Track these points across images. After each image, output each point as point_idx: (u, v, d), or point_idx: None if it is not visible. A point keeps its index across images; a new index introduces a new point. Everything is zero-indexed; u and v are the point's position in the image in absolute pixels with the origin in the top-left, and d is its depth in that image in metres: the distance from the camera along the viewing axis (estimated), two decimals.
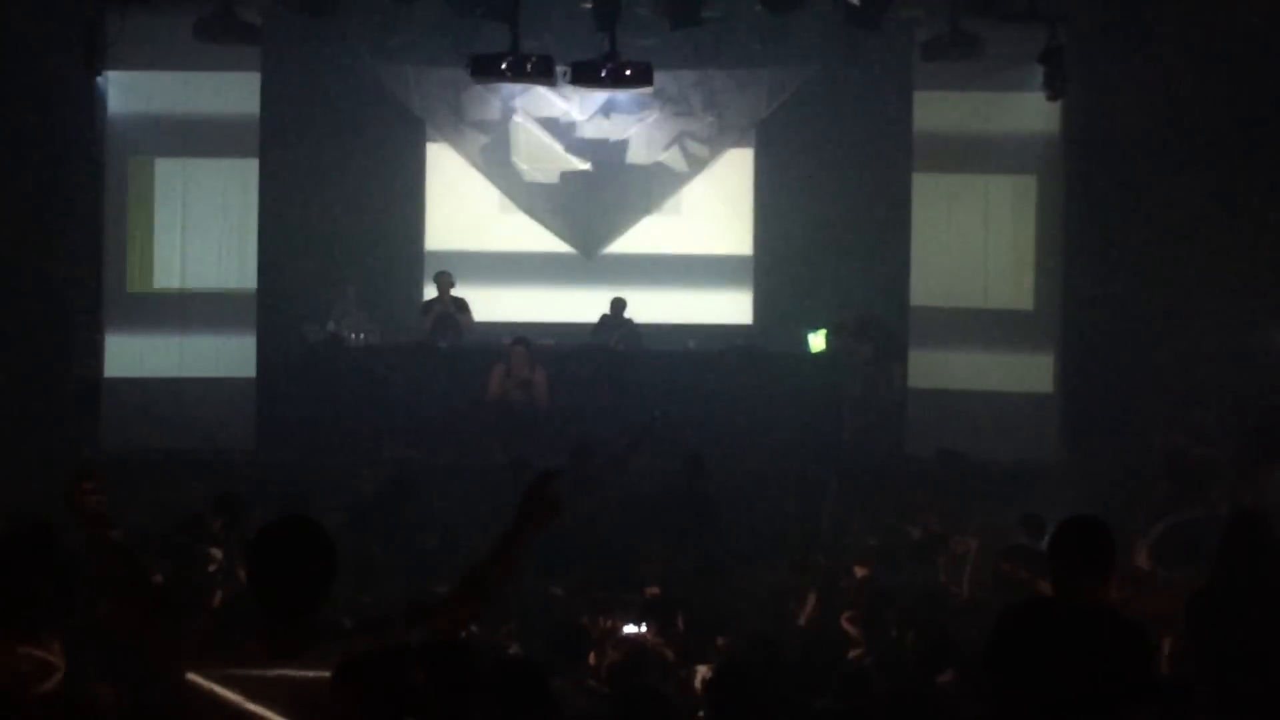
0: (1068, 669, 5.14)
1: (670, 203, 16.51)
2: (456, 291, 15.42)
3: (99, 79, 14.68)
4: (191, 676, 4.05)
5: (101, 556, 4.26)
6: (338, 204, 15.76)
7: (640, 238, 16.51)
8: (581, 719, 6.31)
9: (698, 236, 16.61)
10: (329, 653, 4.01)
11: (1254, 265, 14.20)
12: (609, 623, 7.62)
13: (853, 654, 7.62)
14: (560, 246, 16.47)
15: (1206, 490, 9.55)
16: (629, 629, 7.57)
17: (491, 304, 15.82)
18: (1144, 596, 7.50)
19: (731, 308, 16.43)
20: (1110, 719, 5.13)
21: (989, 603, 8.01)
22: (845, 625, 8.05)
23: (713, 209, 16.65)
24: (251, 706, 3.97)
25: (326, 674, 3.87)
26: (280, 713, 3.97)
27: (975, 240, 16.16)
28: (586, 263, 16.44)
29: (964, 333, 15.73)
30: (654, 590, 8.76)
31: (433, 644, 3.98)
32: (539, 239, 16.44)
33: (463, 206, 16.48)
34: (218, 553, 8.32)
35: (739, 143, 16.50)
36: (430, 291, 15.73)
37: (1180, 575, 7.95)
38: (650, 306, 15.84)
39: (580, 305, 15.94)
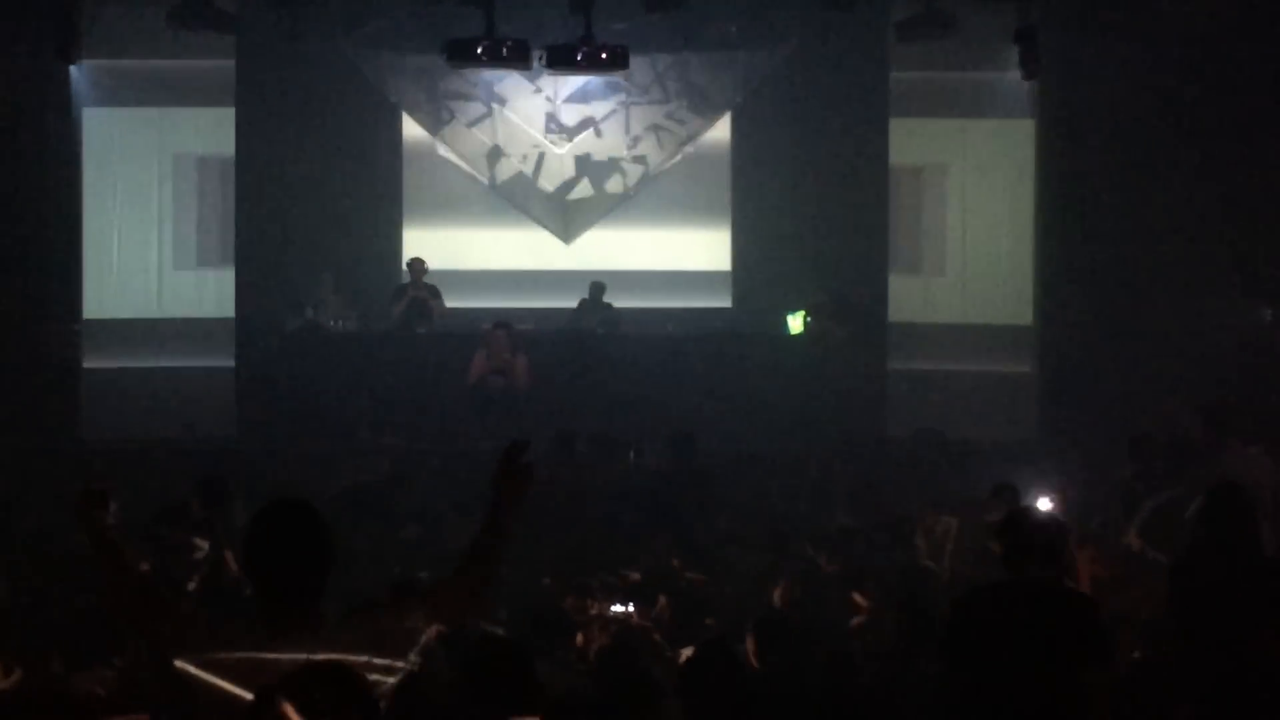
0: (1020, 641, 5.38)
1: (646, 193, 16.46)
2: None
3: (73, 68, 14.64)
4: (180, 663, 4.05)
5: (96, 552, 4.27)
6: (314, 191, 15.71)
7: (619, 238, 16.44)
8: (567, 701, 6.32)
9: (676, 225, 16.54)
10: (331, 638, 4.04)
11: (1231, 245, 14.28)
12: (596, 606, 7.64)
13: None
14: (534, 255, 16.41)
15: (1184, 470, 9.60)
16: (616, 609, 7.59)
17: (468, 292, 15.79)
18: (1133, 576, 7.59)
19: (710, 291, 16.42)
20: (1061, 683, 5.28)
21: (971, 581, 8.06)
22: (858, 599, 8.08)
23: (689, 196, 16.58)
24: (245, 691, 3.96)
25: (330, 656, 3.88)
26: None
27: (954, 221, 16.24)
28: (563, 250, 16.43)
29: (944, 334, 15.83)
30: (635, 576, 8.78)
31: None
32: (519, 242, 16.39)
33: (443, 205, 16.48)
34: (203, 542, 8.30)
35: (715, 126, 16.47)
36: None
37: (1167, 553, 8.01)
38: (629, 293, 15.82)
39: (558, 292, 15.92)
